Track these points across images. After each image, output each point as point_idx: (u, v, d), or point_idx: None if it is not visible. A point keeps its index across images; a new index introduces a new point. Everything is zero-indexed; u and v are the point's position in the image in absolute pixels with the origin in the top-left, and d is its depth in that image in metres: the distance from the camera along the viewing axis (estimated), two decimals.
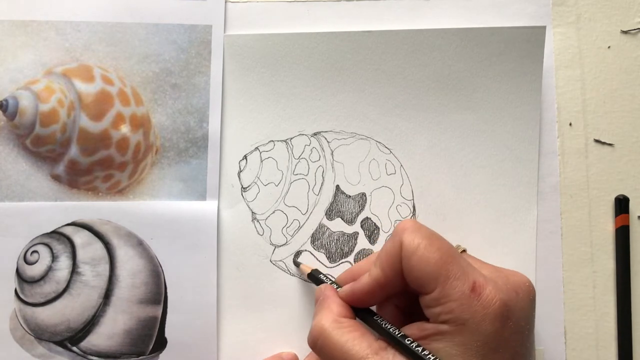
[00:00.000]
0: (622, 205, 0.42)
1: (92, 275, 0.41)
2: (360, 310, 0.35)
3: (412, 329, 0.33)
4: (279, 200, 0.42)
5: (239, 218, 0.42)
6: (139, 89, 0.42)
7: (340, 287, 0.37)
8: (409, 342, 0.31)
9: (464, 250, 0.38)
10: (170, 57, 0.42)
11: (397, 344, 0.32)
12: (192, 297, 0.41)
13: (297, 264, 0.42)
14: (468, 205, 0.42)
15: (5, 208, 0.41)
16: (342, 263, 0.42)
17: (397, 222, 0.42)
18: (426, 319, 0.33)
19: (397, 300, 0.37)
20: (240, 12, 0.43)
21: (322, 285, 0.38)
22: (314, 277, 0.39)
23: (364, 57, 0.42)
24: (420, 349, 0.31)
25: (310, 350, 0.41)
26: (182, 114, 0.42)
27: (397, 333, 0.32)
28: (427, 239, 0.32)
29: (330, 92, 0.42)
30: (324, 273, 0.40)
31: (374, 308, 0.36)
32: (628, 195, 0.42)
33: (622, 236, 0.42)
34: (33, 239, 0.41)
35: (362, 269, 0.37)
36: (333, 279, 0.39)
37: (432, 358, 0.30)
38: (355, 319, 0.35)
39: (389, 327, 0.33)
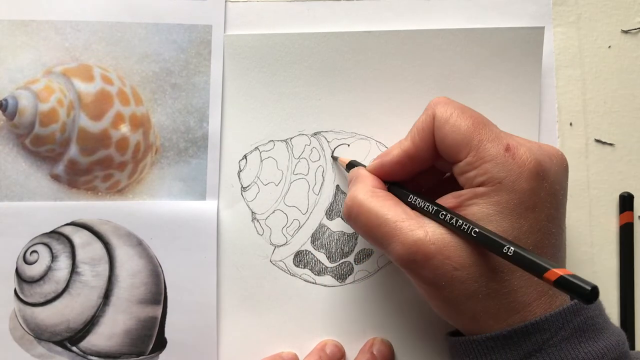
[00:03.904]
0: (626, 202, 0.42)
1: (92, 275, 0.41)
2: (392, 188, 0.36)
3: (448, 198, 0.33)
4: (279, 200, 0.42)
5: (239, 218, 0.42)
6: (138, 88, 0.42)
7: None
8: (443, 215, 0.32)
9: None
10: (170, 56, 0.42)
11: (429, 216, 0.32)
12: (192, 297, 0.41)
13: (334, 159, 0.42)
14: None
15: (4, 208, 0.41)
16: (342, 263, 0.42)
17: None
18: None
19: (424, 181, 0.38)
20: (240, 12, 0.43)
21: (354, 168, 0.39)
22: (351, 166, 0.40)
23: (364, 57, 0.42)
24: (448, 215, 0.31)
25: (310, 350, 0.41)
26: (182, 114, 0.42)
27: (429, 207, 0.33)
28: (459, 109, 0.33)
29: (330, 92, 0.42)
30: (360, 162, 0.40)
31: None
32: None
33: (626, 233, 0.42)
34: (32, 239, 0.41)
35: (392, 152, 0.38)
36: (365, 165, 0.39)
37: (462, 224, 0.30)
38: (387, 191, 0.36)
39: (418, 200, 0.34)
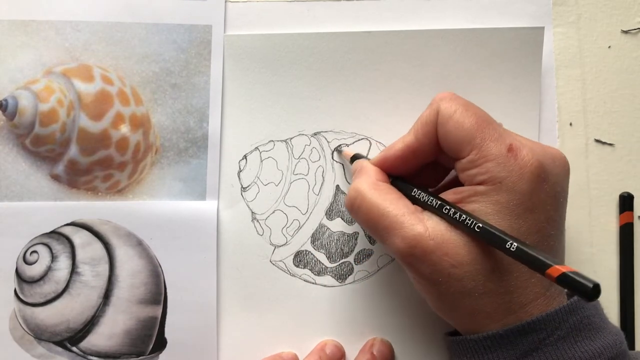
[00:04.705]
0: (626, 202, 0.42)
1: (92, 275, 0.41)
2: (395, 182, 0.36)
3: (448, 194, 0.33)
4: (279, 200, 0.42)
5: (239, 218, 0.42)
6: (138, 88, 0.42)
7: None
8: (447, 210, 0.31)
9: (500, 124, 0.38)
10: (170, 57, 0.42)
11: (433, 210, 0.33)
12: (192, 297, 0.41)
13: (339, 151, 0.42)
14: None
15: (4, 208, 0.41)
16: (342, 263, 0.42)
17: None
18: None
19: (427, 178, 0.38)
20: (240, 12, 0.43)
21: (358, 160, 0.39)
22: (355, 158, 0.40)
23: (364, 57, 0.42)
24: (452, 210, 0.31)
25: (310, 350, 0.41)
26: (182, 114, 0.42)
27: (433, 201, 0.33)
28: (464, 106, 0.33)
29: (330, 92, 0.42)
30: (363, 155, 0.40)
31: None
32: None
33: (626, 233, 0.42)
34: (32, 239, 0.41)
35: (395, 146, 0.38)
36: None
37: (466, 219, 0.30)
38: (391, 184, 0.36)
39: (422, 194, 0.34)
